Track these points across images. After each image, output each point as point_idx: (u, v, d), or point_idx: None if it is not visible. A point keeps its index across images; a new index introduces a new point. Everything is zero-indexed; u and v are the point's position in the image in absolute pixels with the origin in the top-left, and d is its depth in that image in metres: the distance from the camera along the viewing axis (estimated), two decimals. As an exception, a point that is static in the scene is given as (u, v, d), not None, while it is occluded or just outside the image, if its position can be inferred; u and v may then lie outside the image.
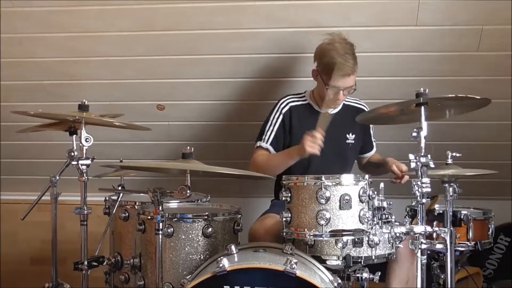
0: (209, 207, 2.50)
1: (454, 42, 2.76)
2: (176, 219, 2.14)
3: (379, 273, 1.98)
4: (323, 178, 1.92)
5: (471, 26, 2.69)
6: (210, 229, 2.14)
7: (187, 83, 3.06)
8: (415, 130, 1.90)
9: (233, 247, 1.94)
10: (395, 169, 2.44)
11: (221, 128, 3.28)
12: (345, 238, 1.97)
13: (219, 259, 1.82)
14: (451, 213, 2.01)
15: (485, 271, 3.38)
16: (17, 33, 2.89)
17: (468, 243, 2.45)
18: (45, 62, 3.00)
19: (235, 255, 1.92)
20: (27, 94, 3.16)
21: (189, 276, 1.96)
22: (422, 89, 1.92)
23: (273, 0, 2.69)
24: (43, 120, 2.43)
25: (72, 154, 2.22)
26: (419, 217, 1.89)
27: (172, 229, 2.10)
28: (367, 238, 2.00)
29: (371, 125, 2.76)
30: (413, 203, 1.91)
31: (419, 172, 1.87)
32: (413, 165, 1.88)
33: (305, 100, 2.67)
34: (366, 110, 2.66)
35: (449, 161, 2.34)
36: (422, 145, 1.89)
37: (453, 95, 1.91)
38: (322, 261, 2.01)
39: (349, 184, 1.94)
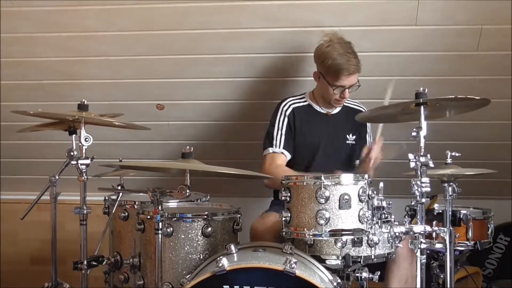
0: (209, 206, 2.50)
1: (453, 41, 2.76)
2: (175, 218, 2.14)
3: (379, 273, 1.99)
4: (322, 178, 1.92)
5: (471, 25, 2.69)
6: (209, 229, 2.13)
7: (187, 83, 3.06)
8: (414, 129, 1.90)
9: (232, 247, 1.94)
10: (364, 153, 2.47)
11: (221, 127, 3.28)
12: (344, 238, 1.96)
13: (218, 258, 1.82)
14: (450, 213, 2.01)
15: (485, 271, 3.38)
16: (17, 33, 2.89)
17: (467, 242, 2.44)
18: (44, 62, 3.00)
19: (235, 254, 1.92)
20: (27, 94, 3.16)
21: (188, 276, 1.96)
22: (421, 88, 1.92)
23: (272, 0, 2.69)
24: (42, 119, 2.44)
25: (72, 153, 2.22)
26: (418, 217, 1.89)
27: (171, 228, 2.10)
28: (366, 238, 2.00)
29: (369, 131, 2.75)
30: (413, 203, 1.91)
31: (419, 172, 1.87)
32: (412, 164, 1.88)
33: (305, 101, 2.68)
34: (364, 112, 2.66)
35: (449, 160, 2.33)
36: (422, 144, 1.89)
37: (453, 96, 1.91)
38: (322, 261, 2.01)
39: (349, 183, 1.94)
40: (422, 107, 1.91)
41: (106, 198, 2.63)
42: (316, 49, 2.57)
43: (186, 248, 2.13)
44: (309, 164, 2.57)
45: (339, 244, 2.00)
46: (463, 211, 2.16)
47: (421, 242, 1.88)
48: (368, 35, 2.76)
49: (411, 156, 1.88)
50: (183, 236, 2.13)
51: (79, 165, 2.19)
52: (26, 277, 3.52)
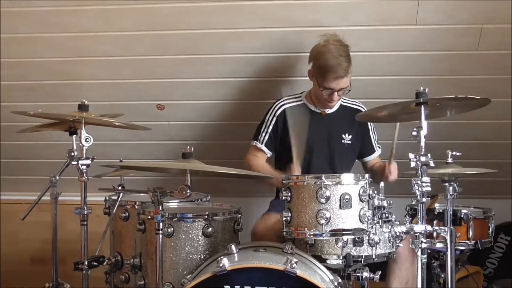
0: (209, 206, 2.50)
1: (453, 41, 2.76)
2: (176, 218, 2.14)
3: (380, 272, 1.99)
4: (323, 178, 1.91)
5: (471, 25, 2.69)
6: (210, 229, 2.14)
7: (187, 83, 3.06)
8: (415, 129, 1.90)
9: (233, 247, 1.94)
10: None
11: (221, 128, 3.28)
12: (345, 238, 1.96)
13: (219, 258, 1.82)
14: (451, 212, 2.01)
15: (486, 270, 3.38)
16: (17, 33, 2.89)
17: (468, 242, 2.44)
18: (45, 62, 3.00)
19: (235, 254, 1.92)
20: (27, 94, 3.16)
21: (189, 276, 1.97)
22: (422, 88, 1.91)
23: (272, 0, 2.69)
24: (43, 120, 2.43)
25: (72, 154, 2.22)
26: (419, 216, 1.89)
27: (172, 228, 2.10)
28: (367, 237, 2.00)
29: (371, 128, 2.73)
30: (413, 202, 1.90)
31: (419, 171, 1.87)
32: (413, 164, 1.88)
33: (300, 100, 2.69)
34: (364, 111, 2.65)
35: (449, 160, 2.33)
36: (422, 144, 1.88)
37: (453, 96, 1.91)
38: (323, 261, 2.01)
39: (349, 183, 1.94)
40: (422, 106, 1.90)
41: (107, 198, 2.63)
42: (312, 48, 2.56)
43: (186, 248, 2.13)
44: (303, 163, 2.55)
45: (340, 244, 2.00)
46: (464, 211, 2.15)
47: (422, 241, 1.88)
48: (368, 34, 2.76)
49: (411, 155, 1.88)
50: (183, 236, 2.13)
51: (80, 165, 2.20)
52: (27, 277, 3.51)
